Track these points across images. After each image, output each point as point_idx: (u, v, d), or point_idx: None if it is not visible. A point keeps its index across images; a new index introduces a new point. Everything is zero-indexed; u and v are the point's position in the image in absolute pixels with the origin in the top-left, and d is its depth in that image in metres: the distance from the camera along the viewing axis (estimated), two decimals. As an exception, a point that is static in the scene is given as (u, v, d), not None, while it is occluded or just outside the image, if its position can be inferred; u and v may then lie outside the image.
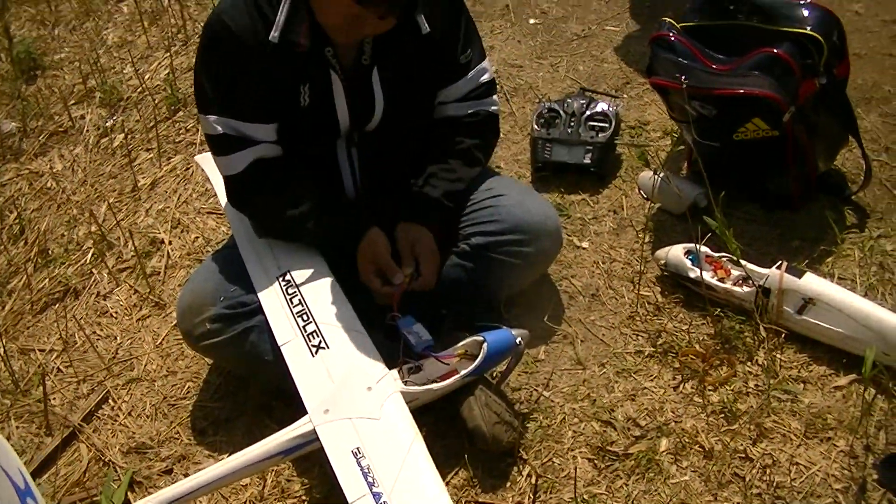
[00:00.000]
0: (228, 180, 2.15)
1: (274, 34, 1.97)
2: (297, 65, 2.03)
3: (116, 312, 2.66)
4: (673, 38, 2.45)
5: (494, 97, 2.29)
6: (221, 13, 2.01)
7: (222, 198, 2.32)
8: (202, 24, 3.78)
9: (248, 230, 2.22)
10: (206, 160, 2.50)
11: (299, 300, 2.04)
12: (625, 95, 3.10)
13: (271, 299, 2.07)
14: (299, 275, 2.10)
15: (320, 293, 2.05)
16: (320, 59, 2.05)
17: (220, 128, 2.05)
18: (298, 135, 2.13)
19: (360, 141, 2.19)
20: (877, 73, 3.07)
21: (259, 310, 2.08)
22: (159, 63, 3.73)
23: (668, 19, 2.51)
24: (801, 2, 2.44)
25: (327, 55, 2.04)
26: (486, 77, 2.25)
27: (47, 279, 2.84)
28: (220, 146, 2.10)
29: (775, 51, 2.32)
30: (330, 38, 2.02)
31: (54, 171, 3.32)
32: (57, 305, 2.74)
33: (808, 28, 2.36)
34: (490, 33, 3.53)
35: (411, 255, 2.09)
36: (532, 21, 3.59)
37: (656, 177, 2.55)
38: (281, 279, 2.10)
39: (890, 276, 2.33)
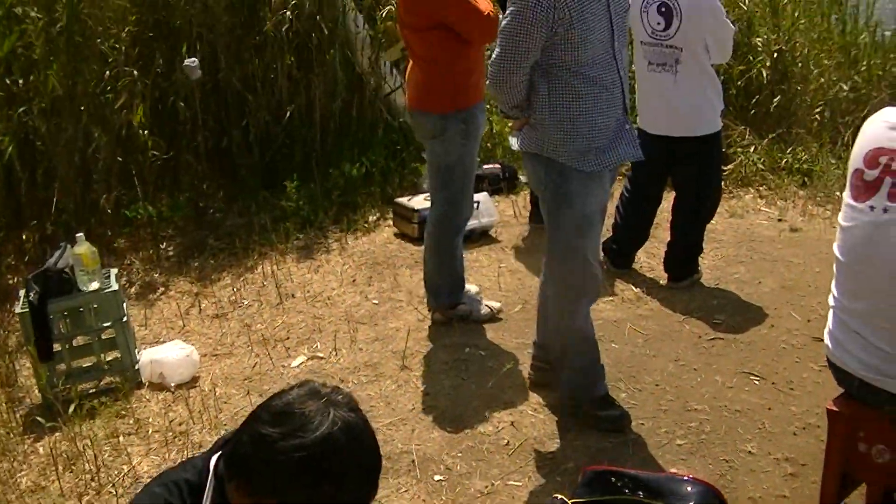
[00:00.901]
0: None
1: None
2: None
3: None
4: (564, 517, 2.59)
5: None
6: None
7: None
8: (115, 473, 3.90)
9: None
10: None
11: None
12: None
13: None
14: None
15: None
16: None
17: None
18: None
19: None
20: (773, 518, 3.16)
21: None
22: (70, 514, 3.74)
23: (559, 496, 2.67)
24: (684, 477, 2.62)
25: None
26: None
27: None
28: None
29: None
30: None
31: None
32: None
33: (692, 503, 2.51)
34: (396, 492, 3.54)
35: None
36: (437, 478, 3.63)
37: None
38: None
39: None
